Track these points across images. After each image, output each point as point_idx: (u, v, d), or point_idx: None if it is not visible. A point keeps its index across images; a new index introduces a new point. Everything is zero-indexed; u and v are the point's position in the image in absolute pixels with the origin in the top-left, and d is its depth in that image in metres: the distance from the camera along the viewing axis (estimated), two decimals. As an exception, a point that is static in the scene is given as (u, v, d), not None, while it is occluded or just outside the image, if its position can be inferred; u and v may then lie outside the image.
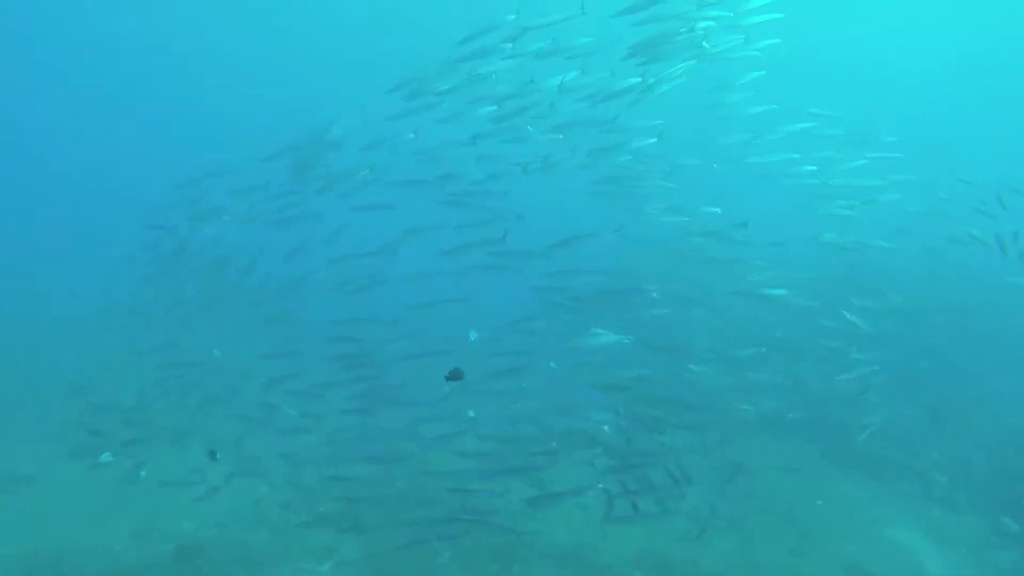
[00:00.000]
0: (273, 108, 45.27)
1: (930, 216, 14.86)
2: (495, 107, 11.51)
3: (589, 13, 10.61)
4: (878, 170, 14.63)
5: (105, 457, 11.84)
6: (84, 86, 51.03)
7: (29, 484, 11.61)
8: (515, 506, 9.55)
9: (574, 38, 11.02)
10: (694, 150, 13.66)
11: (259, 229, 13.93)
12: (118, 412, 13.08)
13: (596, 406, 10.40)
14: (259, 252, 15.40)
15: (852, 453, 13.15)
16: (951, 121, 40.98)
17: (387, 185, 12.62)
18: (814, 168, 13.94)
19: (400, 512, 9.88)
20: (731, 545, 10.52)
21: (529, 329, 12.27)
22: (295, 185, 13.10)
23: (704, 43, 10.74)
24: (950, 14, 44.70)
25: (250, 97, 49.87)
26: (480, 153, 12.22)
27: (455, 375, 8.64)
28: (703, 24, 10.68)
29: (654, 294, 12.39)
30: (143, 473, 11.71)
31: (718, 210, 13.39)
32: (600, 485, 9.53)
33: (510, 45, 10.71)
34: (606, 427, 10.26)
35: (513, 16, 10.57)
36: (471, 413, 12.86)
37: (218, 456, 10.41)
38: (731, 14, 10.77)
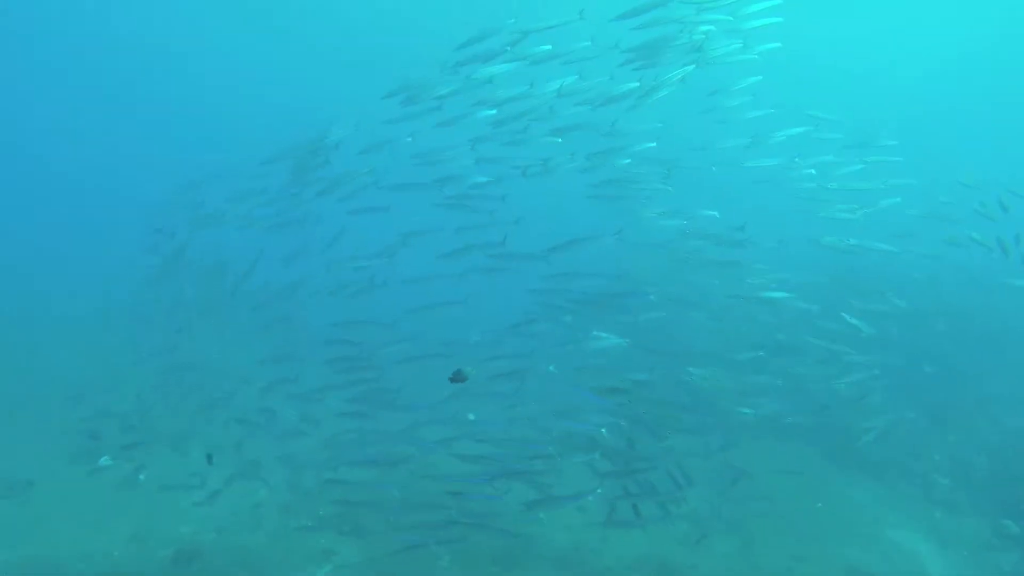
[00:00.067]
0: (273, 109, 45.37)
1: (930, 219, 14.83)
2: (494, 111, 11.48)
3: (587, 17, 10.60)
4: (878, 173, 14.60)
5: (104, 461, 11.84)
6: (84, 86, 51.06)
7: (28, 488, 11.59)
8: (515, 509, 9.53)
9: (572, 42, 11.00)
10: (693, 154, 13.63)
11: (258, 232, 13.92)
12: (117, 416, 13.07)
13: (595, 409, 10.38)
14: (258, 255, 15.39)
15: (853, 455, 13.15)
16: (951, 123, 40.95)
17: (385, 188, 12.62)
18: (814, 171, 13.92)
19: (399, 516, 9.87)
20: (731, 548, 10.51)
21: (529, 332, 12.26)
22: (294, 188, 13.08)
23: (703, 48, 10.73)
24: (950, 16, 44.68)
25: (250, 97, 49.89)
26: (479, 156, 12.19)
27: (459, 376, 8.63)
28: (704, 28, 10.67)
29: (652, 297, 12.37)
30: (142, 477, 11.71)
31: (716, 213, 13.38)
32: (599, 490, 9.51)
33: (509, 49, 10.68)
34: (603, 430, 10.23)
35: (512, 20, 10.55)
36: (471, 416, 12.85)
37: (214, 459, 10.38)
38: (730, 18, 10.75)
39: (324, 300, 13.93)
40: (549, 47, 10.91)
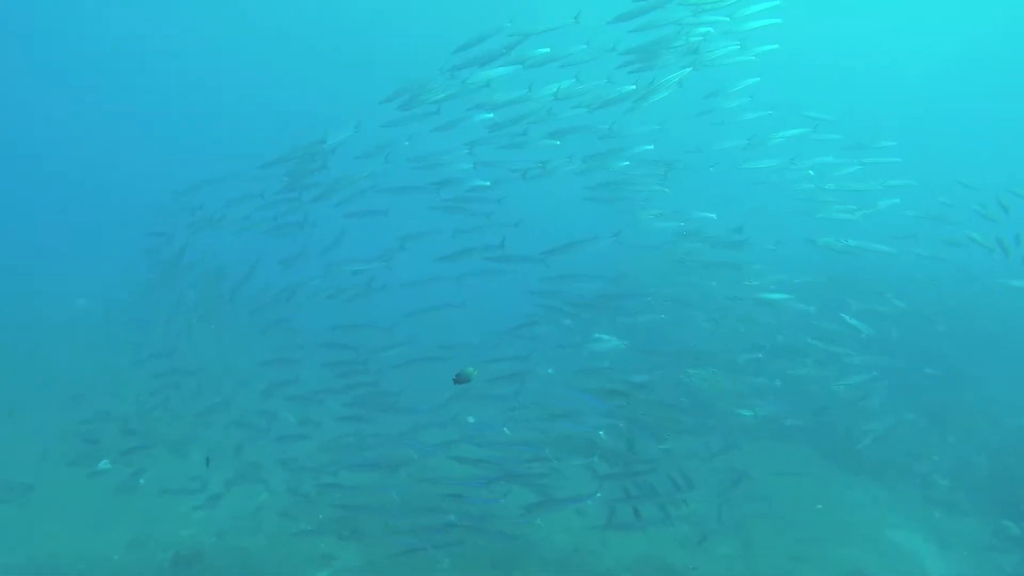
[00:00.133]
0: (272, 112, 45.44)
1: (930, 220, 14.83)
2: (491, 115, 11.49)
3: (585, 21, 10.59)
4: (877, 174, 14.61)
5: (103, 465, 11.84)
6: (82, 87, 51.12)
7: (28, 492, 11.61)
8: (514, 512, 9.54)
9: (570, 45, 11.01)
10: (691, 155, 13.64)
11: (256, 236, 13.94)
12: (117, 420, 13.08)
13: (593, 411, 10.39)
14: (257, 259, 15.40)
15: (853, 456, 13.14)
16: (951, 123, 40.96)
17: (383, 192, 12.63)
18: (812, 173, 13.92)
19: (399, 519, 9.87)
20: (732, 550, 10.50)
21: (528, 334, 12.27)
22: (292, 192, 13.10)
23: (700, 50, 10.72)
24: (951, 15, 44.66)
25: (248, 101, 49.88)
26: (476, 159, 12.20)
27: (463, 377, 8.64)
28: (702, 30, 10.66)
29: (651, 299, 12.38)
30: (141, 481, 11.71)
31: (713, 215, 13.39)
32: (598, 494, 9.51)
33: (506, 52, 10.69)
34: (601, 432, 10.24)
35: (508, 23, 10.55)
36: (471, 419, 12.85)
37: (212, 462, 10.39)
38: (728, 19, 10.74)
39: (323, 303, 13.95)
40: (547, 50, 10.91)
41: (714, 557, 10.27)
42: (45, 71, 50.08)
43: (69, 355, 17.99)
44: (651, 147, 12.49)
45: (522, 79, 11.08)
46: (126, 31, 46.86)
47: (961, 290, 16.79)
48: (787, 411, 12.66)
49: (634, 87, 11.09)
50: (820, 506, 11.88)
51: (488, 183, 12.23)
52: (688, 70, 10.77)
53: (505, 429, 10.60)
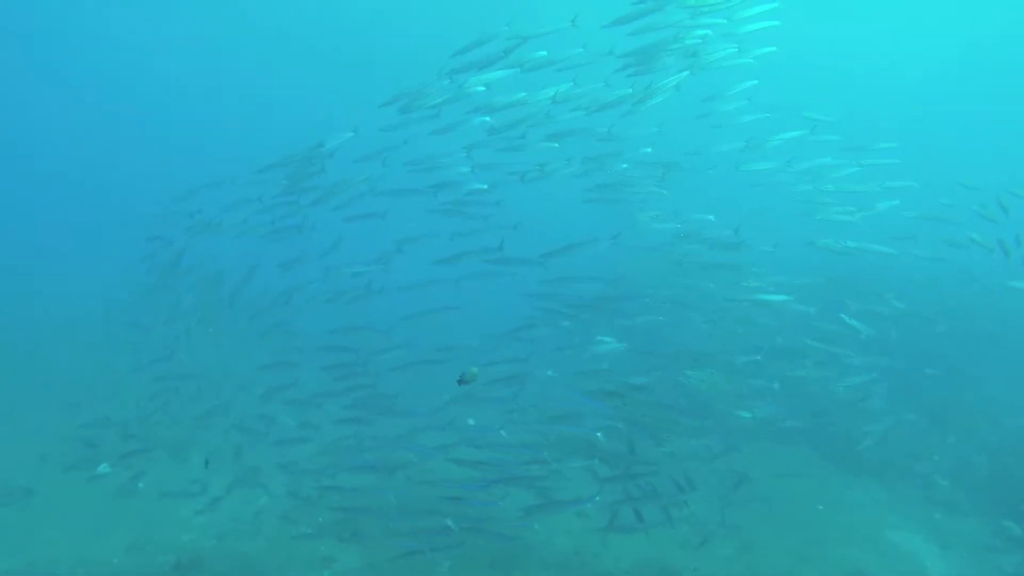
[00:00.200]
0: (272, 112, 45.57)
1: (930, 221, 14.83)
2: (488, 118, 11.52)
3: (583, 24, 10.62)
4: (877, 175, 14.62)
5: (103, 469, 11.85)
6: (82, 88, 51.26)
7: (27, 496, 11.61)
8: (514, 514, 9.54)
9: (569, 48, 11.03)
10: (689, 157, 13.66)
11: (255, 240, 13.96)
12: (116, 423, 13.08)
13: (593, 413, 10.39)
14: (256, 263, 15.42)
15: (853, 457, 13.12)
16: (950, 125, 40.95)
17: (381, 194, 12.65)
18: (811, 174, 13.94)
19: (399, 522, 9.87)
20: (732, 552, 10.48)
21: (527, 337, 12.28)
22: (290, 196, 13.12)
23: (698, 53, 10.74)
24: (950, 16, 44.72)
25: (249, 99, 49.97)
26: (475, 162, 12.23)
27: (466, 378, 8.66)
28: (700, 32, 10.68)
29: (649, 300, 12.39)
30: (141, 485, 11.72)
31: (712, 217, 13.40)
32: (597, 497, 9.51)
33: (504, 56, 10.71)
34: (599, 434, 10.23)
35: (506, 27, 10.57)
36: (471, 421, 12.84)
37: (211, 465, 10.39)
38: (726, 22, 10.76)
39: (321, 307, 13.97)
40: (544, 53, 10.93)
41: (715, 558, 10.26)
42: (45, 72, 50.24)
43: (69, 357, 17.99)
44: (649, 150, 12.52)
45: (520, 82, 11.10)
46: (125, 32, 47.03)
47: (961, 291, 16.78)
48: (787, 412, 12.64)
49: (631, 90, 11.10)
50: (821, 507, 11.87)
51: (486, 186, 12.25)
52: (686, 73, 10.79)
53: (502, 432, 10.60)
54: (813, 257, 14.12)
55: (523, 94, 11.27)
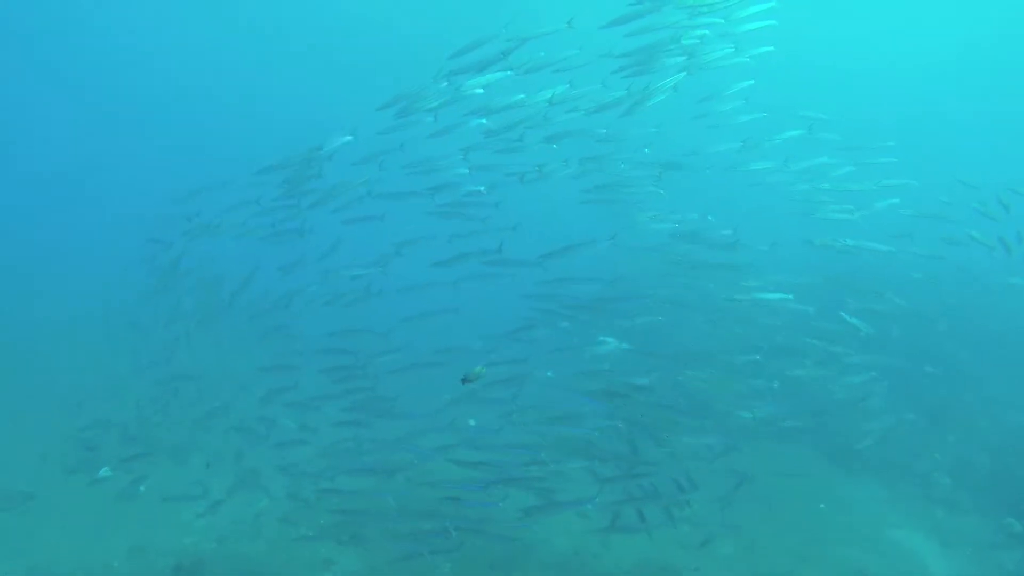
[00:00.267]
0: (271, 114, 45.54)
1: (930, 219, 14.83)
2: (484, 120, 11.52)
3: (578, 26, 10.63)
4: (875, 174, 14.63)
5: (104, 472, 11.85)
6: (82, 89, 51.26)
7: (27, 500, 11.60)
8: (513, 514, 9.53)
9: (566, 50, 11.03)
10: (688, 158, 13.66)
11: (254, 242, 13.96)
12: (117, 426, 13.09)
13: (593, 414, 10.39)
14: (256, 266, 15.42)
15: (854, 456, 13.10)
16: (949, 125, 40.94)
17: (379, 197, 12.65)
18: (809, 173, 13.94)
19: (399, 524, 9.87)
20: (733, 551, 10.48)
21: (526, 338, 12.27)
22: (289, 199, 13.11)
23: (695, 53, 10.73)
24: (949, 16, 44.71)
25: (249, 100, 49.97)
26: (472, 164, 12.23)
27: (471, 377, 8.67)
28: (698, 32, 10.68)
29: (649, 301, 12.38)
30: (142, 488, 11.71)
31: (711, 217, 13.40)
32: (596, 499, 9.49)
33: (503, 58, 10.71)
34: (597, 434, 10.22)
35: (504, 28, 10.57)
36: (472, 422, 12.84)
37: (211, 467, 10.40)
38: (723, 21, 10.76)
39: (320, 309, 13.96)
40: (542, 54, 10.94)
41: (715, 558, 10.25)
42: (45, 72, 50.28)
43: (68, 359, 17.98)
44: (647, 150, 12.52)
45: (518, 84, 11.11)
46: (125, 32, 47.06)
47: (961, 289, 16.75)
48: (787, 412, 12.63)
49: (626, 91, 11.11)
50: (822, 506, 11.87)
51: (484, 188, 12.25)
52: (683, 74, 10.79)
53: (500, 433, 10.60)
54: (812, 256, 14.13)
55: (521, 96, 11.28)
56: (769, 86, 13.86)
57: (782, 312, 12.88)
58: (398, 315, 13.02)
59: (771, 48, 11.68)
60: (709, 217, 13.37)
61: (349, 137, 12.11)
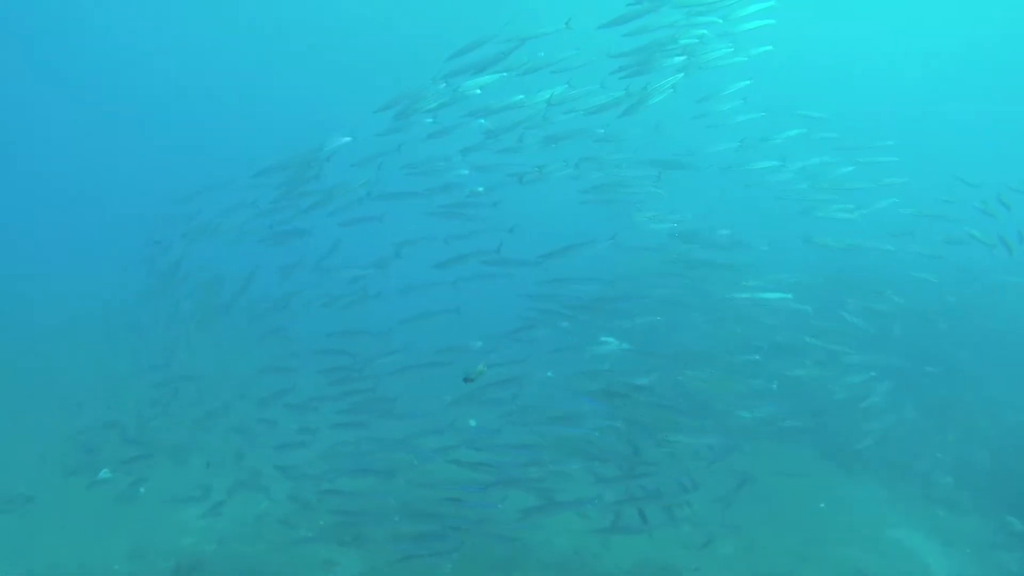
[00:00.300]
0: (270, 115, 45.56)
1: (930, 218, 14.82)
2: (483, 120, 11.51)
3: (576, 26, 10.62)
4: (876, 173, 14.62)
5: (104, 474, 11.84)
6: (81, 89, 51.30)
7: (27, 502, 11.58)
8: (514, 515, 9.52)
9: (563, 51, 11.03)
10: (687, 158, 13.65)
11: (253, 244, 13.96)
12: (117, 429, 13.08)
13: (592, 414, 10.37)
14: (255, 268, 15.42)
15: (854, 456, 13.10)
16: (949, 125, 40.95)
17: (378, 198, 12.64)
18: (808, 172, 13.93)
19: (400, 525, 9.86)
20: (734, 551, 10.47)
21: (525, 338, 12.27)
22: (287, 200, 13.11)
23: (693, 53, 10.72)
24: (950, 16, 44.69)
25: (249, 100, 49.99)
26: (472, 164, 12.22)
27: (473, 375, 8.67)
28: (697, 32, 10.67)
29: (648, 301, 12.37)
30: (142, 490, 11.71)
31: (709, 217, 13.39)
32: (595, 499, 9.49)
33: (502, 59, 10.70)
34: (597, 434, 10.21)
35: (502, 29, 10.57)
36: (472, 423, 12.84)
37: (212, 468, 10.38)
38: (721, 21, 10.75)
39: (319, 311, 13.95)
40: (542, 54, 10.93)
41: (716, 558, 10.24)
42: (45, 72, 50.30)
43: (68, 360, 17.98)
44: (646, 151, 12.52)
45: (517, 84, 11.10)
46: (125, 32, 47.08)
47: (961, 288, 16.75)
48: (787, 411, 12.62)
49: (629, 91, 11.10)
50: (823, 505, 11.86)
51: (482, 188, 12.25)
52: (681, 75, 10.78)
53: (501, 433, 10.59)
54: (811, 255, 14.12)
55: (520, 96, 11.27)
56: (769, 86, 13.85)
57: (782, 311, 12.87)
58: (398, 316, 13.02)
59: (770, 47, 11.67)
60: (708, 217, 13.35)
61: (348, 138, 12.10)
